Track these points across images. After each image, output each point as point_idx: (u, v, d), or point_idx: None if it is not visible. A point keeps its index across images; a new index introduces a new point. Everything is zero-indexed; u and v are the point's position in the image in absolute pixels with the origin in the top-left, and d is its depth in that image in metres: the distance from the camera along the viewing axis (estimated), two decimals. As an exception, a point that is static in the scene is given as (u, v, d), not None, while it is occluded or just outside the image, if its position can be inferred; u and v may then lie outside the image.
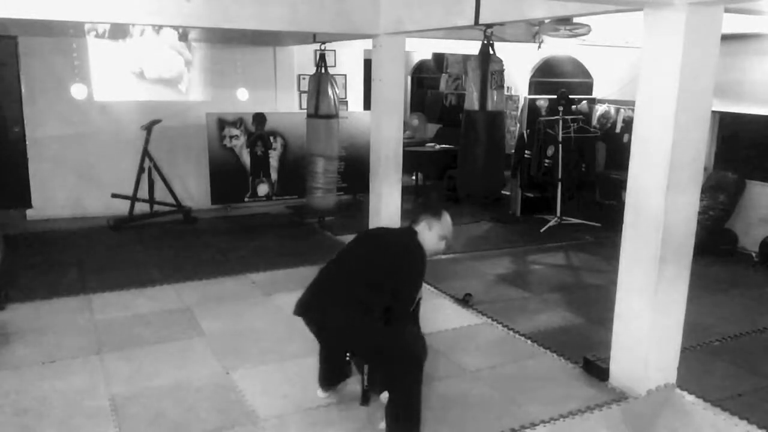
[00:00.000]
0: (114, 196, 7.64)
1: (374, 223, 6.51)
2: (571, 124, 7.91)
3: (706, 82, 3.44)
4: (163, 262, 6.23)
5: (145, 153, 7.62)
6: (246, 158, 8.31)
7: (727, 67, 6.24)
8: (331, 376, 3.58)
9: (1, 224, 7.03)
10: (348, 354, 3.34)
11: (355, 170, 8.31)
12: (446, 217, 3.24)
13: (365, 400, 3.35)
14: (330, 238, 7.34)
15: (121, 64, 8.01)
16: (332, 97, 7.25)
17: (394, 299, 3.08)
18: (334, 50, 8.79)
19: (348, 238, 6.96)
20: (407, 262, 3.13)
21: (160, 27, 6.74)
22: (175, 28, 6.80)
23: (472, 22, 4.59)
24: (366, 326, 3.08)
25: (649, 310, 3.59)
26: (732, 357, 4.34)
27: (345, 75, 9.33)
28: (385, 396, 3.41)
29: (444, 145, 10.00)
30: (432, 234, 3.19)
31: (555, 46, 8.31)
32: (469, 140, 5.55)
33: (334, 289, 3.18)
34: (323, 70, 7.33)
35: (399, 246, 3.24)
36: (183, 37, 7.81)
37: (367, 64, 7.71)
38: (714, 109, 4.24)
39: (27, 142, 7.63)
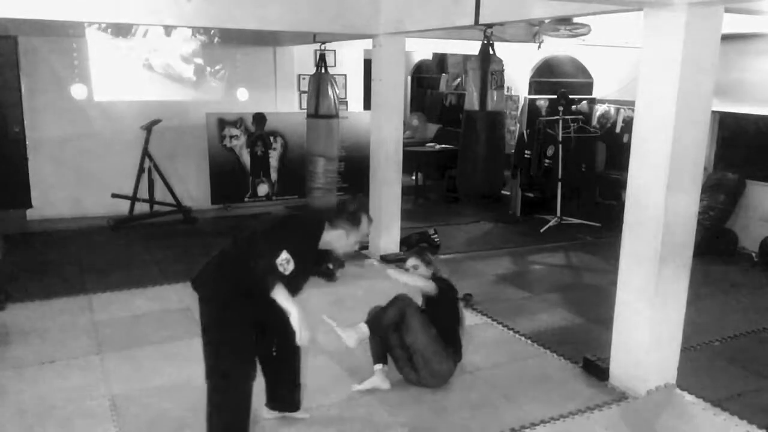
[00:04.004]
0: (114, 196, 7.64)
1: (374, 222, 6.50)
2: (571, 124, 7.91)
3: (706, 82, 3.44)
4: (163, 262, 6.23)
5: (145, 153, 7.62)
6: (246, 158, 8.31)
7: (727, 67, 6.24)
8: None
9: (1, 224, 7.03)
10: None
11: (355, 170, 8.31)
12: (365, 224, 3.09)
13: None
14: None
15: (122, 63, 8.01)
16: (332, 97, 7.25)
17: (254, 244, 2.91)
18: (334, 50, 8.78)
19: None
20: (280, 221, 3.06)
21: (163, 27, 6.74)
22: (176, 27, 6.80)
23: (472, 22, 4.59)
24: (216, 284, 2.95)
25: (649, 309, 3.59)
26: (732, 357, 4.34)
27: (345, 75, 9.33)
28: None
29: (444, 145, 10.00)
30: (349, 241, 3.06)
31: (555, 46, 8.31)
32: (469, 140, 5.55)
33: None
34: (323, 70, 7.33)
35: (298, 221, 3.17)
36: (201, 38, 7.82)
37: (367, 64, 7.71)
38: (714, 109, 4.24)
39: (27, 142, 7.62)
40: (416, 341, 3.65)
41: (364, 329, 3.60)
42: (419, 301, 3.86)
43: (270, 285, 2.75)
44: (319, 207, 7.21)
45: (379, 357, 3.75)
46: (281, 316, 2.80)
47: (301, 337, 2.81)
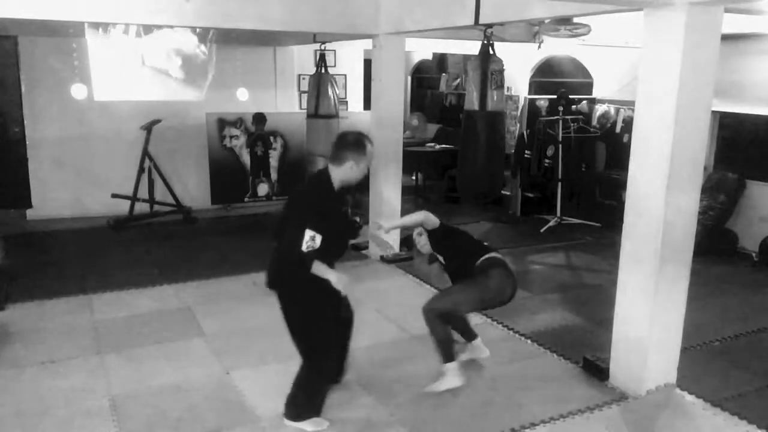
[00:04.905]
0: (114, 196, 7.64)
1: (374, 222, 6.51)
2: (571, 124, 7.91)
3: (706, 83, 3.44)
4: (163, 262, 6.23)
5: (145, 153, 7.62)
6: (246, 158, 8.30)
7: (727, 67, 6.23)
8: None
9: (1, 224, 7.03)
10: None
11: (355, 170, 8.29)
12: (369, 147, 3.25)
13: None
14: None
15: (122, 63, 8.00)
16: (332, 97, 7.26)
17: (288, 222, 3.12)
18: (334, 50, 8.79)
19: (348, 238, 7.05)
20: (300, 192, 3.36)
21: (161, 27, 6.74)
22: (175, 27, 6.80)
23: (472, 22, 4.59)
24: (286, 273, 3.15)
25: (649, 310, 3.59)
26: (732, 357, 4.34)
27: (345, 75, 9.33)
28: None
29: (444, 145, 10.00)
30: (360, 168, 3.24)
31: (555, 46, 8.31)
32: (469, 140, 5.55)
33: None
34: (323, 70, 7.34)
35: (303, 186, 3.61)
36: (201, 38, 7.81)
37: (367, 64, 7.71)
38: (714, 109, 4.24)
39: (27, 142, 7.63)
40: (463, 303, 3.85)
41: (457, 374, 3.75)
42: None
43: (308, 268, 3.00)
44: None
45: (450, 356, 3.77)
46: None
47: (344, 290, 3.09)
